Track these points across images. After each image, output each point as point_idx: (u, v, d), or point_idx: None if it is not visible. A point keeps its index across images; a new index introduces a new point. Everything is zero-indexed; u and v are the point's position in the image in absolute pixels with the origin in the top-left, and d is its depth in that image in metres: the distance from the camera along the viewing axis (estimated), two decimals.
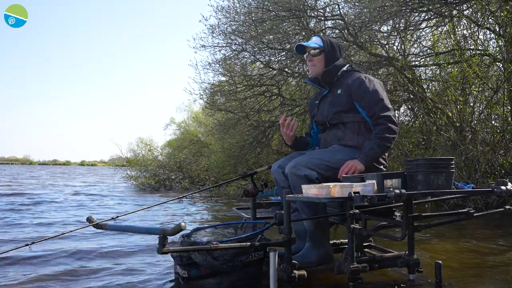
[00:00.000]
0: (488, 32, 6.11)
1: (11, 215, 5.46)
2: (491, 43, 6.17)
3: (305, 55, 2.57)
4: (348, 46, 6.73)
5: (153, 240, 3.54)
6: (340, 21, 6.74)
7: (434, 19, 6.55)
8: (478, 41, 6.10)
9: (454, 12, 6.10)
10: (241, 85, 8.17)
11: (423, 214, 2.11)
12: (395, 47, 7.04)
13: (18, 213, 5.78)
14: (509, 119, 5.43)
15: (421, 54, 7.19)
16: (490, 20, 5.77)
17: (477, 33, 6.13)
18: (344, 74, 2.46)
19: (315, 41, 2.51)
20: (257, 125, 8.37)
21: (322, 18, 7.04)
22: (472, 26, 6.13)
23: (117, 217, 2.43)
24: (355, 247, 2.03)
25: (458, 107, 5.70)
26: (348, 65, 2.53)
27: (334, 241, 2.66)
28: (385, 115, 2.26)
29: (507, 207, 2.21)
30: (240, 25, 7.42)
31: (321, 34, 2.72)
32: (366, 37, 6.60)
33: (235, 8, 7.41)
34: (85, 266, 2.76)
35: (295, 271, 2.04)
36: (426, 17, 6.46)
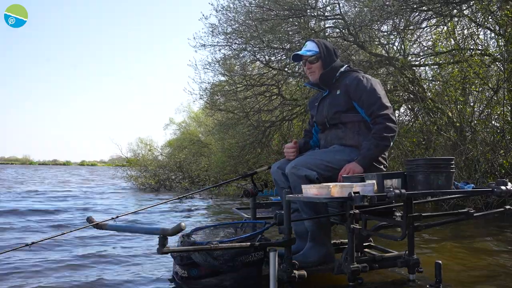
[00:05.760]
0: (488, 32, 6.11)
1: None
2: (491, 43, 6.17)
3: (301, 62, 2.58)
4: (348, 46, 6.72)
5: (153, 240, 3.54)
6: (340, 21, 6.74)
7: (434, 19, 6.55)
8: (478, 41, 6.10)
9: (454, 11, 6.09)
10: (241, 85, 8.17)
11: (423, 214, 2.11)
12: (395, 47, 7.04)
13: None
14: (509, 119, 5.43)
15: (421, 54, 7.19)
16: (490, 20, 5.77)
17: (477, 33, 6.13)
18: (342, 75, 2.46)
19: (310, 47, 2.49)
20: (257, 125, 8.38)
21: (322, 18, 7.04)
22: (472, 26, 6.13)
23: (117, 217, 2.43)
24: (355, 247, 2.03)
25: (458, 107, 5.70)
26: (346, 65, 2.53)
27: (334, 241, 2.66)
28: (383, 114, 2.26)
29: (507, 207, 2.20)
30: (240, 24, 7.42)
31: (315, 38, 2.68)
32: (366, 36, 6.60)
33: (235, 8, 7.42)
34: (84, 266, 2.76)
35: (295, 271, 2.04)
36: (426, 16, 6.46)
